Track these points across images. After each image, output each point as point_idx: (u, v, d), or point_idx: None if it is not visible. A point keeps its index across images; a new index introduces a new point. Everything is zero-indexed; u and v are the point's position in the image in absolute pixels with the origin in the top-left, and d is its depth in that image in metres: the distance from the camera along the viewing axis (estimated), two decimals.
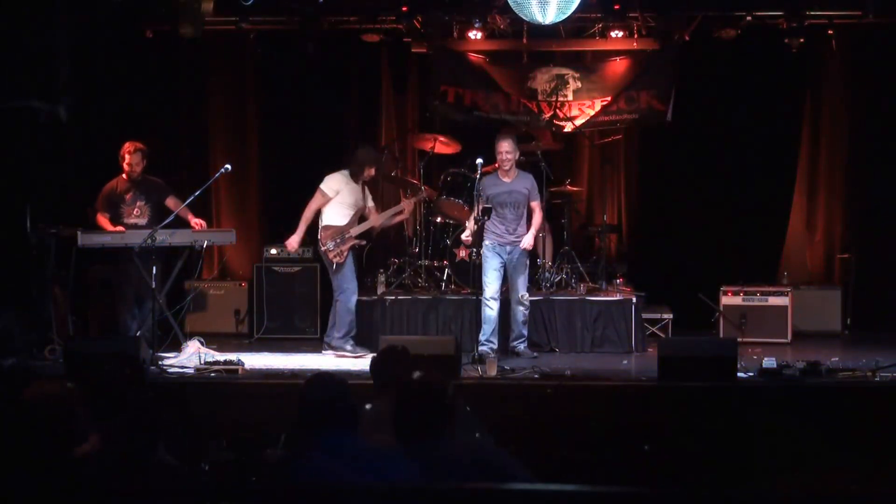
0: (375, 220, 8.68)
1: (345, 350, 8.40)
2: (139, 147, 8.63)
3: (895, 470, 5.72)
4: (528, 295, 8.39)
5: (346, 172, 8.57)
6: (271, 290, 9.63)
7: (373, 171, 8.65)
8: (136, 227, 8.53)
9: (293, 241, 8.70)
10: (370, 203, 8.72)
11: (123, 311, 8.63)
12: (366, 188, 8.70)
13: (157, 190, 8.78)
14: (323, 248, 8.49)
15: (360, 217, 8.58)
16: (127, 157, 8.58)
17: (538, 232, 8.45)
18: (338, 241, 8.40)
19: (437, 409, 3.81)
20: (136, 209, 8.64)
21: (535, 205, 8.38)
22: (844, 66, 10.32)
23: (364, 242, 8.68)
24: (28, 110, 8.77)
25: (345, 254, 8.42)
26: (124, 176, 8.65)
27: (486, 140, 8.71)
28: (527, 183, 8.34)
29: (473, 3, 9.87)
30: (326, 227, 8.47)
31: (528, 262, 8.43)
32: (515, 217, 8.26)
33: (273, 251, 9.80)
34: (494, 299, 8.22)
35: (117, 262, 8.68)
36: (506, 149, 8.18)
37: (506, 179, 8.25)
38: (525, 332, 8.41)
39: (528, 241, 8.27)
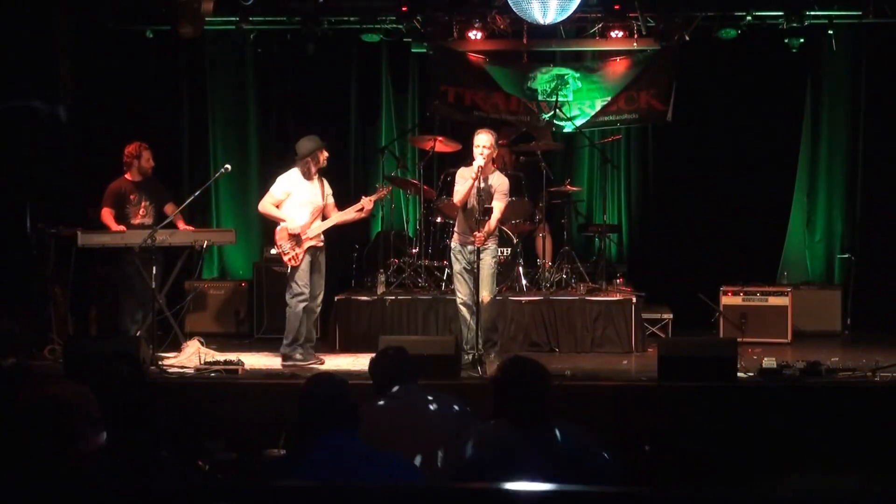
0: (336, 217, 8.21)
1: (294, 359, 7.98)
2: (147, 144, 8.64)
3: (895, 470, 5.72)
4: (491, 297, 7.79)
5: (296, 171, 8.10)
6: (271, 290, 9.62)
7: (322, 159, 8.12)
8: (142, 227, 8.44)
9: (293, 227, 8.06)
10: (330, 200, 8.23)
11: (125, 311, 8.61)
12: (324, 183, 8.22)
13: (160, 191, 8.78)
14: (277, 251, 8.14)
15: (321, 215, 8.16)
16: (143, 153, 8.56)
17: (492, 230, 7.77)
18: (293, 243, 8.01)
19: (546, 391, 3.87)
20: (141, 209, 8.62)
21: (497, 205, 7.77)
22: (844, 66, 10.33)
23: (322, 244, 8.18)
24: (28, 110, 8.77)
25: (300, 257, 7.99)
26: (128, 177, 8.62)
27: None
28: (496, 181, 7.83)
29: (473, 3, 9.88)
30: (283, 229, 8.06)
31: (493, 263, 7.87)
32: (483, 215, 7.73)
33: (273, 251, 9.77)
34: (464, 304, 7.86)
35: (118, 262, 8.67)
36: (483, 143, 7.68)
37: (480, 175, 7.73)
38: (493, 337, 7.87)
39: (477, 237, 7.69)
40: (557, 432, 3.83)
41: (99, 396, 3.79)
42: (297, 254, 8.00)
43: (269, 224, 10.77)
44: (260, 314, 9.64)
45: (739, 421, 6.67)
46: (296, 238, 8.01)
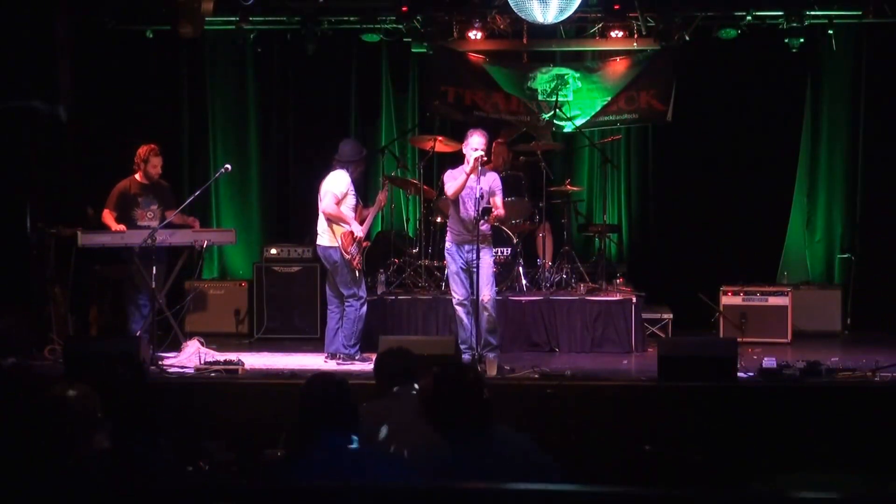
0: (369, 219, 8.28)
1: (353, 359, 8.01)
2: (158, 149, 8.61)
3: (895, 470, 5.72)
4: (491, 297, 7.79)
5: (345, 172, 8.06)
6: (271, 290, 9.64)
7: (363, 167, 8.30)
8: (147, 229, 8.34)
9: (359, 232, 8.08)
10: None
11: (132, 312, 8.58)
12: None
13: (168, 194, 8.73)
14: (348, 256, 7.99)
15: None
16: (152, 159, 8.53)
17: (503, 215, 7.93)
18: (356, 247, 8.03)
19: (479, 401, 3.81)
20: (148, 212, 8.59)
21: (496, 200, 7.83)
22: (844, 66, 10.33)
23: (368, 244, 8.35)
24: (28, 110, 8.77)
25: (359, 261, 8.06)
26: (137, 178, 8.60)
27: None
28: (489, 179, 7.86)
29: (473, 3, 9.88)
30: (348, 234, 7.99)
31: (492, 262, 7.93)
32: (483, 215, 7.71)
33: (273, 251, 9.79)
34: (460, 305, 7.87)
35: (119, 262, 8.67)
36: (479, 145, 7.68)
37: (472, 174, 7.72)
38: (493, 341, 7.80)
39: (494, 215, 7.75)
40: (496, 439, 3.79)
41: (100, 397, 3.80)
42: (359, 258, 8.07)
43: (270, 224, 10.85)
44: (260, 314, 9.64)
45: (739, 421, 6.67)
46: (358, 243, 8.06)
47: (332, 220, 8.03)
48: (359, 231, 8.06)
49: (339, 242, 8.00)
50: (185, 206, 8.53)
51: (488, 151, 8.50)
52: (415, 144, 10.45)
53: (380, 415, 4.54)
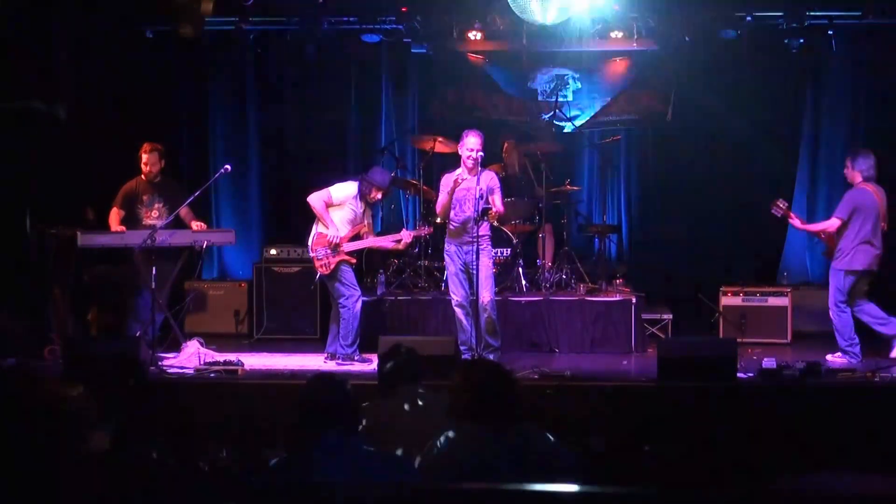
0: (371, 241, 8.29)
1: (353, 360, 8.01)
2: (156, 147, 8.60)
3: (895, 470, 5.71)
4: (491, 299, 7.85)
5: (356, 186, 8.12)
6: (271, 290, 9.64)
7: (379, 196, 8.27)
8: (149, 229, 8.31)
9: (334, 236, 8.05)
10: (367, 220, 8.29)
11: (132, 312, 8.59)
12: (367, 206, 8.31)
13: (176, 193, 8.68)
14: (311, 254, 8.05)
15: (355, 235, 8.16)
16: (144, 156, 8.54)
17: (503, 212, 7.97)
18: (328, 251, 8.01)
19: (512, 394, 3.85)
20: (154, 211, 8.60)
21: (496, 199, 7.85)
22: (844, 66, 10.33)
23: (355, 261, 8.21)
24: (28, 110, 8.76)
25: (331, 266, 8.00)
26: (143, 176, 8.61)
27: (487, 140, 8.68)
28: (487, 179, 7.86)
29: (473, 4, 9.89)
30: (321, 235, 8.04)
31: (491, 264, 7.96)
32: (482, 217, 7.78)
33: (273, 251, 9.79)
34: (459, 306, 7.92)
35: (120, 262, 8.67)
36: (475, 146, 7.74)
37: (469, 176, 7.81)
38: (493, 342, 7.86)
39: (492, 213, 7.79)
40: (525, 434, 3.81)
41: (99, 397, 3.80)
42: (329, 262, 8.03)
43: (269, 225, 10.84)
44: (260, 314, 9.65)
45: (739, 421, 6.67)
46: (334, 247, 8.03)
47: (316, 215, 8.06)
48: (334, 235, 8.02)
49: (311, 241, 8.05)
50: (185, 207, 8.51)
51: (488, 151, 8.51)
52: (415, 144, 10.45)
53: (381, 415, 4.54)
